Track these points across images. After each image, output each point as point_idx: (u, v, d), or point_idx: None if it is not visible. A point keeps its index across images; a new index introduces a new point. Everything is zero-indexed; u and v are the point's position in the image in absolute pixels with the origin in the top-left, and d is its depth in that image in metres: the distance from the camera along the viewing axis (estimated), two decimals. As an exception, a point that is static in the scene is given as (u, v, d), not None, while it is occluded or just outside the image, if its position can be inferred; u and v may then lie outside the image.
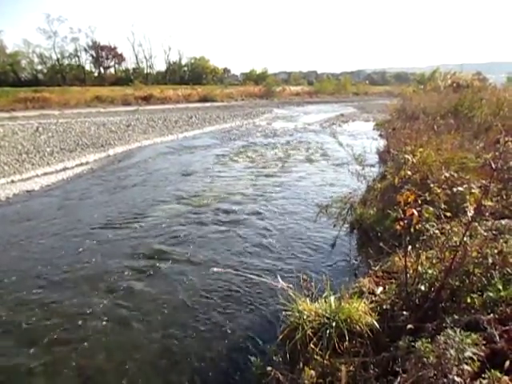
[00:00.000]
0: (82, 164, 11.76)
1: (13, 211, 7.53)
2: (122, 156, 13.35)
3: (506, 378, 2.04)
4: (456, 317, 2.62)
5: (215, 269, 3.35)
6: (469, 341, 2.18)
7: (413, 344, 2.38)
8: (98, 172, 10.92)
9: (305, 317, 3.03)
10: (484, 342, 2.24)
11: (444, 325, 2.57)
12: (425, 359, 2.19)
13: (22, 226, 6.71)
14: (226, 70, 77.24)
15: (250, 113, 29.94)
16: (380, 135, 16.40)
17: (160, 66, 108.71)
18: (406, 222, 2.99)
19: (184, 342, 3.73)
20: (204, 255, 5.48)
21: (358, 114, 30.00)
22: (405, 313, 2.93)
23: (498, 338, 2.39)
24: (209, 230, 6.43)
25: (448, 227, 3.26)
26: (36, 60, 55.31)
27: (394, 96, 36.00)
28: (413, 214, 2.88)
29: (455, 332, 2.22)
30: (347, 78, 70.58)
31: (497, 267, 2.87)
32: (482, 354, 2.16)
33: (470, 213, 2.90)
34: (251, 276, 3.80)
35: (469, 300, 2.79)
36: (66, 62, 58.24)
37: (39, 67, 55.78)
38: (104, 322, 4.02)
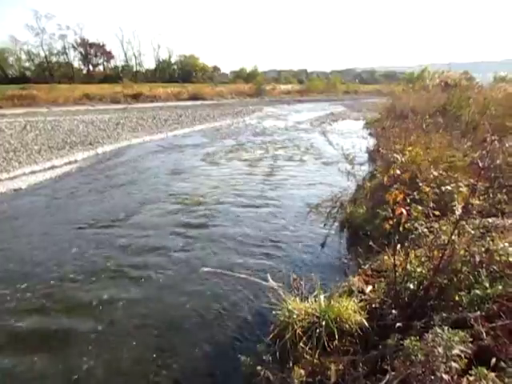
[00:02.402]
0: (70, 162, 11.63)
1: (-1, 211, 7.42)
2: (111, 154, 13.23)
3: (492, 374, 2.07)
4: (444, 314, 2.65)
5: (205, 269, 3.34)
6: (456, 338, 2.20)
7: (401, 342, 2.40)
8: (87, 170, 10.81)
9: (295, 316, 3.04)
10: (471, 340, 2.27)
11: (432, 323, 2.60)
12: (413, 357, 2.21)
13: (8, 226, 6.62)
14: (215, 68, 76.99)
15: (240, 111, 29.91)
16: (370, 134, 16.50)
17: (149, 64, 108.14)
18: (395, 220, 3.01)
19: (172, 341, 3.71)
20: (193, 255, 5.46)
21: (347, 112, 30.15)
22: (394, 311, 2.96)
23: (484, 335, 2.42)
24: (197, 229, 6.41)
25: (436, 226, 3.29)
26: (24, 57, 54.65)
27: (384, 95, 36.24)
28: (402, 212, 2.90)
29: (443, 330, 2.25)
30: (337, 76, 71.02)
31: (484, 265, 2.91)
32: (469, 351, 2.19)
33: (458, 211, 2.94)
34: (241, 275, 3.80)
35: (457, 298, 2.82)
36: (54, 59, 57.60)
37: (27, 64, 55.11)
38: (91, 327, 3.98)
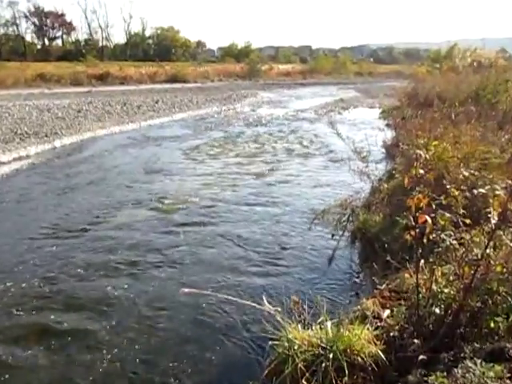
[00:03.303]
0: (20, 158, 11.57)
1: None
2: (72, 148, 13.19)
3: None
4: (477, 345, 2.66)
5: (185, 290, 3.32)
6: (492, 374, 2.22)
7: (425, 378, 2.41)
8: (42, 168, 10.77)
9: (296, 347, 3.04)
10: (509, 375, 2.28)
11: (462, 355, 2.61)
12: (440, 397, 2.23)
13: None
14: (199, 44, 77.11)
15: (229, 96, 29.96)
16: (387, 125, 16.59)
17: (119, 38, 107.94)
18: (417, 230, 3.02)
19: (149, 380, 3.70)
20: (171, 272, 5.45)
21: (360, 98, 30.33)
22: (416, 341, 2.97)
23: (526, 369, 2.44)
24: (178, 240, 6.40)
25: (468, 237, 3.31)
26: (-37, 28, 54.34)
27: (404, 77, 36.50)
28: (426, 221, 2.91)
29: (475, 363, 2.26)
30: (347, 54, 71.47)
31: (525, 285, 2.93)
32: (507, 389, 2.20)
33: (494, 219, 2.96)
34: (230, 298, 3.80)
35: (492, 324, 2.84)
36: (1, 31, 57.30)
37: (-34, 37, 54.79)
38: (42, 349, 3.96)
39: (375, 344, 3.05)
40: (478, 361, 2.29)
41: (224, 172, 10.37)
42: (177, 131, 16.65)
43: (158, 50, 65.61)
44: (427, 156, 5.00)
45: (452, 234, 3.33)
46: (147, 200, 8.25)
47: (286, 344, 3.09)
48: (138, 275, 5.37)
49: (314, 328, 3.22)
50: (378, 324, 3.28)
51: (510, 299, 2.93)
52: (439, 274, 3.36)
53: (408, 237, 3.10)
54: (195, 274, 5.42)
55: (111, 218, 7.32)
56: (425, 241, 3.05)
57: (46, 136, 14.12)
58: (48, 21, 60.64)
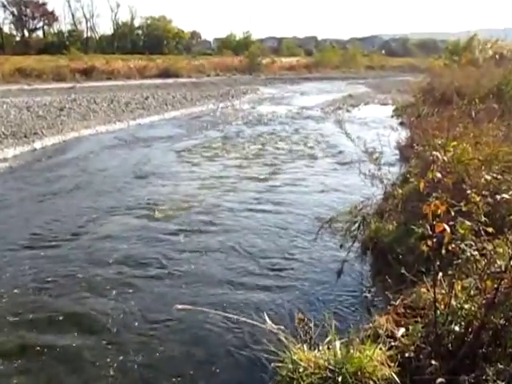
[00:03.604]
0: (-4, 161, 11.60)
1: None
2: (54, 150, 13.21)
3: None
4: (500, 366, 2.66)
5: (179, 306, 3.33)
6: (517, 399, 2.22)
7: (444, 404, 2.41)
8: (20, 172, 10.78)
9: (301, 369, 3.04)
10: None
11: (485, 377, 2.61)
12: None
13: None
14: (194, 35, 77.46)
15: (227, 92, 30.03)
16: (401, 124, 16.63)
17: (105, 29, 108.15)
18: (435, 240, 3.03)
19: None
20: (164, 287, 5.45)
21: (371, 94, 30.39)
22: (434, 362, 2.97)
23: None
24: (171, 251, 6.40)
25: (490, 247, 3.32)
26: None
27: (419, 71, 36.61)
28: (444, 230, 2.92)
29: (500, 387, 2.26)
30: (357, 46, 71.60)
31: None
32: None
33: (519, 228, 2.97)
34: (229, 315, 3.80)
35: (517, 344, 2.84)
36: (-25, 21, 57.53)
37: None
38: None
39: (389, 366, 3.04)
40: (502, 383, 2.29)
41: (221, 176, 10.39)
42: (169, 131, 16.68)
43: (148, 42, 65.78)
44: (445, 158, 5.02)
45: (473, 244, 3.34)
46: (137, 207, 8.26)
47: (291, 366, 3.09)
48: (126, 291, 5.37)
49: (321, 348, 3.22)
50: (392, 344, 3.27)
51: (537, 316, 2.93)
52: (459, 288, 3.37)
53: (424, 247, 3.10)
54: (190, 288, 5.42)
55: (97, 228, 7.33)
56: (443, 252, 3.06)
57: (25, 137, 14.14)
58: (28, 10, 60.86)
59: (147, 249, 6.50)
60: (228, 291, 5.34)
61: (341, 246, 6.31)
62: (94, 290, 5.40)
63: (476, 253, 3.27)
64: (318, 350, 3.21)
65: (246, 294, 5.28)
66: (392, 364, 3.07)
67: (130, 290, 5.38)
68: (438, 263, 3.23)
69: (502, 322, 2.98)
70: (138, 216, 7.83)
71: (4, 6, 59.22)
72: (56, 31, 64.62)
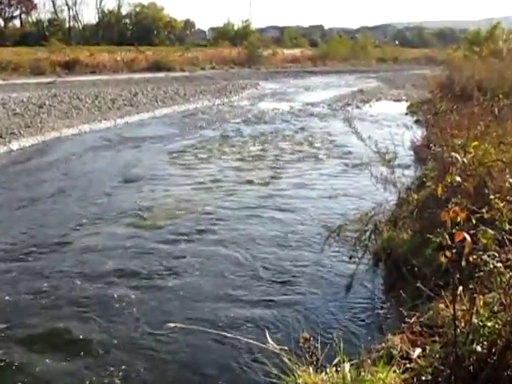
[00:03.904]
0: (-31, 164, 11.62)
1: None
2: (32, 151, 13.23)
3: None
4: (528, 391, 2.66)
5: (171, 324, 3.32)
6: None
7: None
8: (-5, 176, 10.80)
9: (307, 394, 3.04)
10: None
11: (511, 403, 2.61)
12: None
13: None
14: (188, 24, 77.58)
15: (224, 88, 30.10)
16: (416, 122, 16.65)
17: (89, 17, 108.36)
18: (454, 251, 3.03)
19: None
20: (156, 303, 5.45)
21: (384, 89, 30.45)
22: (454, 386, 2.97)
23: None
24: (162, 263, 6.40)
25: (515, 258, 3.32)
26: None
27: (436, 64, 36.61)
28: (464, 239, 2.92)
29: (527, 414, 2.26)
30: (368, 36, 71.69)
31: None
32: None
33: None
34: (226, 333, 3.80)
35: (546, 366, 2.83)
36: None
37: None
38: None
39: (404, 390, 3.04)
40: (530, 410, 2.29)
41: (218, 179, 10.41)
42: (160, 130, 16.71)
43: (136, 32, 65.82)
44: (465, 160, 5.03)
45: (496, 254, 3.34)
46: (125, 215, 8.26)
47: (295, 391, 3.09)
48: (112, 307, 5.36)
49: (328, 371, 3.22)
50: (407, 366, 3.27)
51: None
52: (481, 304, 3.36)
53: (443, 259, 3.11)
54: (184, 303, 5.42)
55: (80, 238, 7.33)
56: (463, 263, 3.06)
57: (1, 137, 14.17)
58: (4, -3, 61.03)
59: (136, 261, 6.49)
60: (226, 307, 5.33)
61: (350, 258, 6.30)
62: (77, 306, 5.39)
63: (500, 264, 3.27)
64: (326, 373, 3.21)
65: (246, 310, 5.27)
66: (407, 388, 3.07)
67: (117, 306, 5.37)
68: (457, 276, 3.23)
69: (528, 341, 2.98)
70: (126, 224, 7.83)
71: (-23, -7, 59.44)
72: (34, 20, 64.75)
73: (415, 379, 3.16)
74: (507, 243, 3.58)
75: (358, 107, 22.63)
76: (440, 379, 3.12)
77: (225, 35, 66.73)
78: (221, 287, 5.80)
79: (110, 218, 8.14)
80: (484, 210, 3.85)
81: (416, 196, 6.95)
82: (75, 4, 67.73)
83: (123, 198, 9.24)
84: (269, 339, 3.31)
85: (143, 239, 7.24)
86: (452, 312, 3.19)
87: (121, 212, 8.39)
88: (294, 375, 3.17)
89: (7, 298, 5.55)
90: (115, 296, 5.59)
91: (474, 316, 3.19)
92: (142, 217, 8.12)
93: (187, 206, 8.67)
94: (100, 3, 67.86)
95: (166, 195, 9.34)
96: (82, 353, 4.60)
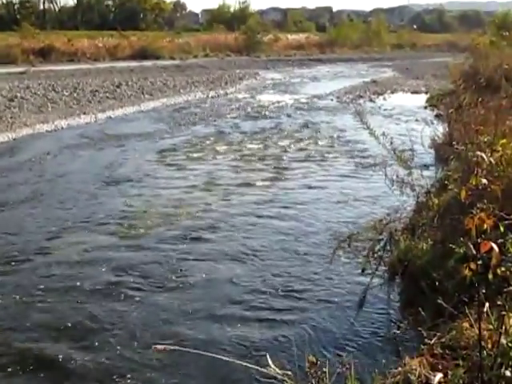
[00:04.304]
0: None
1: None
2: (1, 150, 13.20)
3: None
4: None
5: (159, 346, 3.31)
6: None
7: None
8: (-40, 179, 10.80)
9: (313, 425, 3.04)
10: None
11: None
12: None
13: None
14: (178, 6, 77.80)
15: (219, 78, 30.13)
16: (437, 116, 16.65)
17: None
18: (480, 262, 3.03)
19: None
20: (139, 320, 5.44)
21: (400, 80, 30.46)
22: (480, 416, 2.97)
23: None
24: (149, 276, 6.39)
25: (549, 271, 3.33)
26: None
27: (459, 50, 36.68)
28: (491, 249, 2.92)
29: None
30: (382, 19, 71.72)
31: None
32: None
33: None
34: (222, 357, 3.79)
35: None
36: None
37: None
38: None
39: (423, 421, 3.04)
40: None
41: (213, 182, 10.40)
42: (147, 126, 16.71)
43: (120, 15, 65.92)
44: (492, 160, 5.04)
45: (528, 267, 3.35)
46: (106, 222, 8.26)
47: (300, 421, 3.09)
48: (91, 328, 5.35)
49: (338, 399, 3.22)
50: (427, 392, 3.27)
51: None
52: (510, 322, 3.37)
53: (467, 271, 3.11)
54: (174, 322, 5.40)
55: (56, 248, 7.31)
56: (490, 277, 3.06)
57: (-34, 134, 14.20)
58: (-31, -24, 61.06)
59: (119, 275, 6.47)
60: (222, 326, 5.32)
61: (362, 270, 6.31)
62: (50, 328, 5.36)
63: (531, 278, 3.28)
64: (335, 401, 3.21)
65: (244, 329, 5.26)
66: (427, 418, 3.07)
67: (96, 327, 5.35)
68: (483, 291, 3.23)
69: None
70: (108, 233, 7.82)
71: None
72: (4, 2, 64.78)
73: (436, 408, 3.16)
74: (540, 254, 3.59)
75: (370, 100, 22.63)
76: (464, 408, 3.12)
77: (220, 18, 66.75)
78: (216, 303, 5.78)
79: (90, 226, 8.12)
80: (513, 217, 3.85)
81: (437, 200, 6.96)
82: (51, -16, 67.86)
83: (105, 203, 9.23)
84: (270, 362, 3.31)
85: (126, 250, 7.22)
86: (477, 332, 3.19)
87: (102, 219, 8.38)
88: (298, 403, 3.18)
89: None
90: (94, 313, 5.57)
91: (502, 336, 3.19)
92: (126, 225, 8.11)
93: (178, 211, 8.65)
94: (79, -17, 67.96)
95: (154, 200, 9.33)
96: (59, 374, 4.60)
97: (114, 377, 4.57)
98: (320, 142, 14.11)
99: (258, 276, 6.43)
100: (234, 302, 5.82)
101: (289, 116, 18.65)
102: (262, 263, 6.80)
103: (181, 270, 6.58)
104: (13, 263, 6.80)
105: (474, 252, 3.01)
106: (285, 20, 77.47)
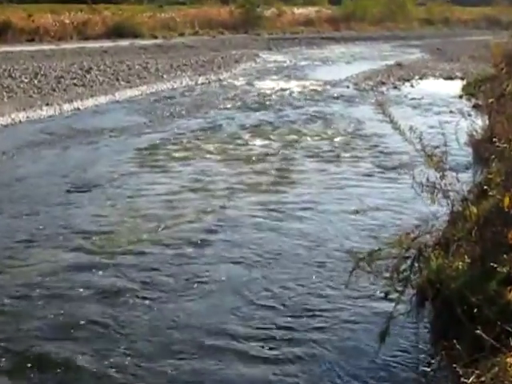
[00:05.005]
0: None
1: None
2: None
3: None
4: None
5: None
6: None
7: None
8: None
9: None
10: None
11: None
12: None
13: None
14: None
15: (211, 61, 30.17)
16: (475, 107, 16.66)
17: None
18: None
19: None
20: (114, 358, 5.43)
21: (430, 63, 30.54)
22: None
23: None
24: (126, 304, 6.37)
25: None
26: None
27: (502, 27, 36.72)
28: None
29: None
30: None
31: None
32: None
33: None
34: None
35: None
36: None
37: None
38: None
39: None
40: None
41: (202, 188, 10.40)
42: (123, 119, 16.73)
43: (91, -15, 66.03)
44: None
45: None
46: (72, 236, 8.24)
47: None
48: (51, 369, 5.33)
49: None
50: None
51: None
52: None
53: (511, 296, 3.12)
54: (153, 362, 5.41)
55: (8, 267, 7.30)
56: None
57: None
58: None
59: (86, 303, 6.43)
60: (214, 362, 5.32)
61: (386, 295, 6.28)
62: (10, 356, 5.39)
63: None
64: None
65: (243, 368, 5.26)
66: None
67: (58, 370, 5.33)
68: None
69: None
70: (73, 249, 7.77)
71: None
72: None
73: None
74: None
75: (395, 87, 22.68)
76: None
77: (211, -11, 66.83)
78: (206, 336, 5.77)
79: (52, 240, 8.10)
80: None
81: (475, 209, 6.95)
82: None
83: (72, 213, 9.21)
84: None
85: (96, 270, 7.17)
86: (525, 369, 3.20)
87: (68, 233, 8.37)
88: None
89: None
90: (54, 350, 5.53)
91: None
92: (96, 240, 8.09)
93: (159, 223, 8.65)
94: None
95: (130, 209, 9.33)
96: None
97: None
98: (334, 139, 14.10)
99: (257, 300, 6.43)
100: (230, 335, 5.80)
101: (295, 107, 18.67)
102: (263, 284, 6.80)
103: (159, 296, 6.57)
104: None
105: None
106: (290, -9, 77.55)
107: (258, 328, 5.89)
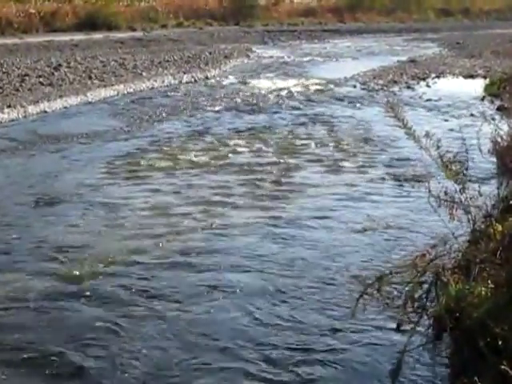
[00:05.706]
0: None
1: None
2: None
3: None
4: None
5: None
6: None
7: None
8: None
9: None
10: None
11: None
12: None
13: None
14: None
15: (197, 56, 30.30)
16: (499, 110, 16.71)
17: None
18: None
19: None
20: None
21: (449, 59, 30.73)
22: None
23: None
24: (95, 340, 6.34)
25: None
26: None
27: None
28: None
29: None
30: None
31: None
32: None
33: None
34: None
35: None
36: None
37: None
38: None
39: None
40: None
41: (185, 202, 10.40)
42: (96, 123, 16.75)
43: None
44: None
45: None
46: (37, 257, 8.25)
47: None
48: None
49: None
50: None
51: None
52: None
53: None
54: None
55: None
56: None
57: None
58: None
59: (54, 335, 6.42)
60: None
61: (398, 326, 6.29)
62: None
63: None
64: None
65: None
66: None
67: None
68: None
69: None
70: (40, 274, 7.75)
71: None
72: None
73: None
74: None
75: (408, 87, 22.78)
76: None
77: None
78: (207, 354, 5.77)
79: (14, 263, 8.11)
80: None
81: (500, 227, 6.96)
82: None
83: (36, 231, 9.19)
84: None
85: (63, 295, 7.16)
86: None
87: (31, 254, 8.36)
88: None
89: None
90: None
91: None
92: (64, 262, 8.06)
93: (135, 243, 8.63)
94: None
95: (103, 227, 9.31)
96: None
97: None
98: (338, 146, 14.13)
99: (251, 334, 6.40)
100: (220, 369, 5.80)
101: (294, 109, 18.73)
102: (257, 312, 6.76)
103: (138, 320, 6.55)
104: None
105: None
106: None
107: (250, 353, 5.90)
